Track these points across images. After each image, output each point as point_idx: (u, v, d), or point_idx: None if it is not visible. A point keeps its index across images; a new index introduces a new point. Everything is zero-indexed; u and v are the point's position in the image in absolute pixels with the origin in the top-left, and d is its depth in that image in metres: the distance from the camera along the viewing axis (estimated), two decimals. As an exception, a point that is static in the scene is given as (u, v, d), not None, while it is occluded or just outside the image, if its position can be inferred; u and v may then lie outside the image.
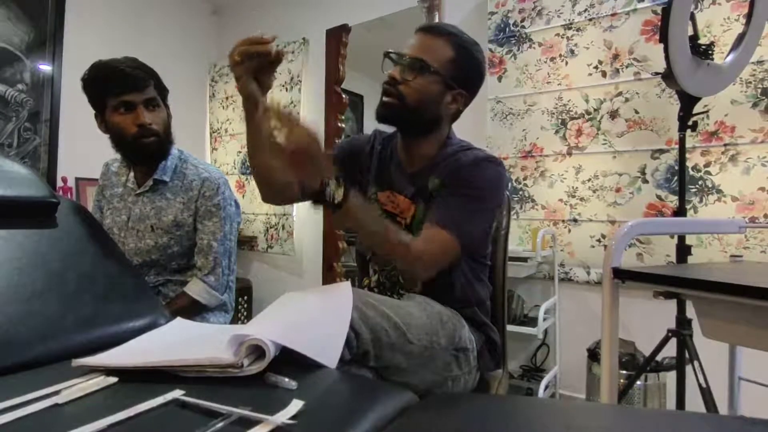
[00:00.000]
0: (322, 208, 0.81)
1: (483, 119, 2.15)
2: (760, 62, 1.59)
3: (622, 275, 0.85)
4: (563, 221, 1.98)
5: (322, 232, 2.75)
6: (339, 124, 2.75)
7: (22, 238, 0.80)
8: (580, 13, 1.94)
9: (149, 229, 1.30)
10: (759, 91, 1.61)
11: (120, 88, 1.21)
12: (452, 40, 0.96)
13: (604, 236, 1.89)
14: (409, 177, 1.02)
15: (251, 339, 0.55)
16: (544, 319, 1.83)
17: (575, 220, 1.95)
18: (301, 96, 2.86)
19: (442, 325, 0.87)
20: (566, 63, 1.97)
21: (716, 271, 0.96)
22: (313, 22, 2.82)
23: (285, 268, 2.95)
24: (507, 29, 2.12)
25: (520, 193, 2.08)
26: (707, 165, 1.69)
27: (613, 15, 1.87)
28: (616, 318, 0.87)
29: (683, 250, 1.36)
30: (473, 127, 2.09)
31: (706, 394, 1.22)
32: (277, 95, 2.95)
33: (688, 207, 1.62)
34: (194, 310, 1.27)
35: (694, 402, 1.33)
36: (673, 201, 1.73)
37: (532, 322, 1.86)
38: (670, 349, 1.36)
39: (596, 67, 1.91)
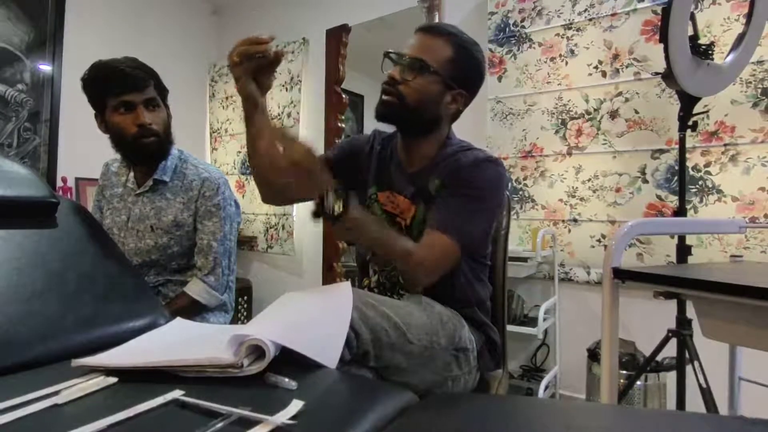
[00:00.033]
0: (321, 220, 0.82)
1: (483, 119, 2.15)
2: (760, 62, 1.59)
3: (622, 275, 0.85)
4: (563, 221, 1.98)
5: (322, 232, 2.75)
6: (339, 124, 2.75)
7: (21, 238, 0.80)
8: (580, 13, 1.94)
9: (149, 229, 1.30)
10: (759, 91, 1.61)
11: (120, 88, 1.21)
12: (452, 40, 0.96)
13: (604, 236, 1.89)
14: (409, 177, 1.02)
15: (251, 339, 0.55)
16: (544, 319, 1.83)
17: (575, 220, 1.95)
18: (301, 96, 2.86)
19: (442, 325, 0.87)
20: (566, 63, 1.97)
21: (716, 271, 0.96)
22: (313, 22, 2.82)
23: (285, 268, 2.95)
24: (507, 29, 2.12)
25: (520, 193, 2.08)
26: (707, 165, 1.69)
27: (613, 15, 1.87)
28: (616, 318, 0.87)
29: (683, 250, 1.36)
30: (473, 127, 2.09)
31: (706, 394, 1.22)
32: (276, 95, 2.95)
33: (688, 207, 1.62)
34: (194, 310, 1.27)
35: (694, 402, 1.33)
36: (673, 201, 1.73)
37: (532, 322, 1.86)
38: (671, 349, 1.36)
39: (596, 67, 1.91)
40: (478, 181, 0.93)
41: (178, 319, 0.82)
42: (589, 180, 1.92)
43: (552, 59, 2.01)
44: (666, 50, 1.27)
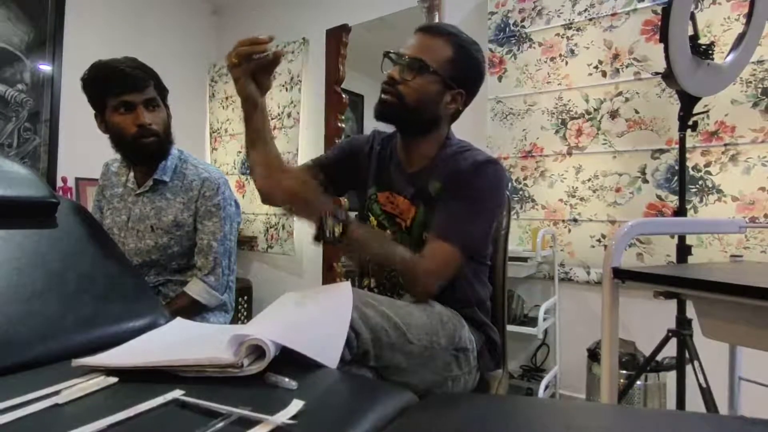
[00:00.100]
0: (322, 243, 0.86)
1: (483, 119, 2.15)
2: (760, 62, 1.59)
3: (622, 275, 0.85)
4: (563, 221, 1.98)
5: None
6: (339, 124, 2.75)
7: (21, 238, 0.80)
8: (580, 13, 1.94)
9: (149, 229, 1.30)
10: (759, 90, 1.61)
11: (120, 88, 1.21)
12: (451, 39, 0.96)
13: (604, 236, 1.89)
14: (409, 177, 1.02)
15: (251, 339, 0.55)
16: (544, 319, 1.83)
17: (575, 220, 1.95)
18: (301, 96, 2.86)
19: (442, 325, 0.87)
20: (566, 63, 1.97)
21: (716, 271, 0.96)
22: (313, 22, 2.83)
23: (285, 268, 2.95)
24: (507, 29, 2.12)
25: (520, 193, 2.08)
26: (707, 165, 1.69)
27: (613, 15, 1.87)
28: (616, 318, 0.87)
29: (683, 250, 1.36)
30: (473, 127, 2.09)
31: (706, 394, 1.22)
32: (276, 95, 2.95)
33: (688, 207, 1.62)
34: (194, 310, 1.27)
35: (694, 402, 1.33)
36: (673, 201, 1.73)
37: (532, 322, 1.86)
38: (670, 349, 1.36)
39: (596, 67, 1.91)
40: (478, 184, 0.93)
41: (178, 319, 0.82)
42: (589, 180, 1.92)
43: (552, 59, 2.01)
44: (666, 50, 1.27)
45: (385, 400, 0.54)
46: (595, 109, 1.91)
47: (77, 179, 2.59)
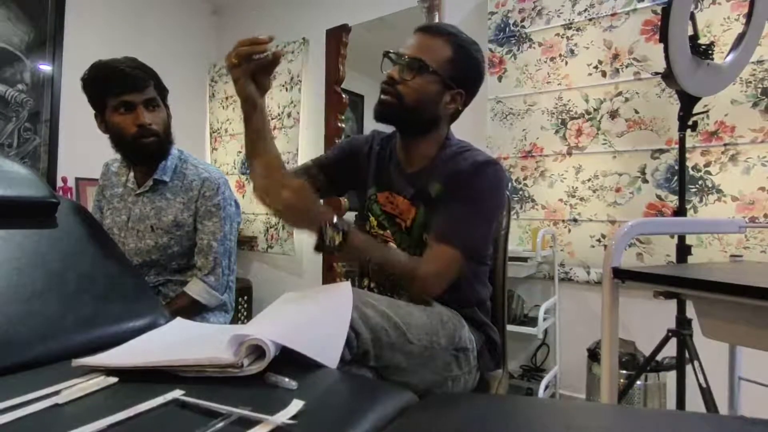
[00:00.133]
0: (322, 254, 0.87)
1: (483, 119, 2.15)
2: (760, 62, 1.59)
3: (622, 275, 0.85)
4: (563, 221, 1.98)
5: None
6: (339, 124, 2.75)
7: (21, 238, 0.80)
8: (580, 13, 1.94)
9: (149, 229, 1.30)
10: (759, 90, 1.61)
11: (120, 88, 1.21)
12: (451, 39, 0.96)
13: (604, 236, 1.89)
14: (408, 177, 1.02)
15: (251, 339, 0.55)
16: (544, 319, 1.83)
17: (575, 220, 1.95)
18: (301, 96, 2.86)
19: (442, 325, 0.87)
20: (566, 63, 1.97)
21: (716, 271, 0.96)
22: (313, 22, 2.83)
23: (285, 268, 2.95)
24: (507, 29, 2.12)
25: (520, 193, 2.08)
26: (707, 165, 1.70)
27: (613, 15, 1.87)
28: (616, 318, 0.87)
29: (683, 250, 1.36)
30: (473, 127, 2.09)
31: (706, 394, 1.22)
32: (276, 95, 2.95)
33: (688, 207, 1.62)
34: (194, 310, 1.27)
35: (694, 402, 1.33)
36: (673, 201, 1.73)
37: (532, 322, 1.86)
38: (670, 349, 1.36)
39: (596, 67, 1.91)
40: (477, 185, 0.93)
41: (178, 319, 0.82)
42: (589, 180, 1.92)
43: (552, 59, 2.01)
44: (666, 50, 1.27)
45: (385, 400, 0.54)
46: (595, 109, 1.91)
47: (77, 179, 2.59)
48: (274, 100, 2.96)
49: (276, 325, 0.63)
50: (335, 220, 0.82)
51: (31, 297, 0.72)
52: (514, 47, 2.09)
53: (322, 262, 2.72)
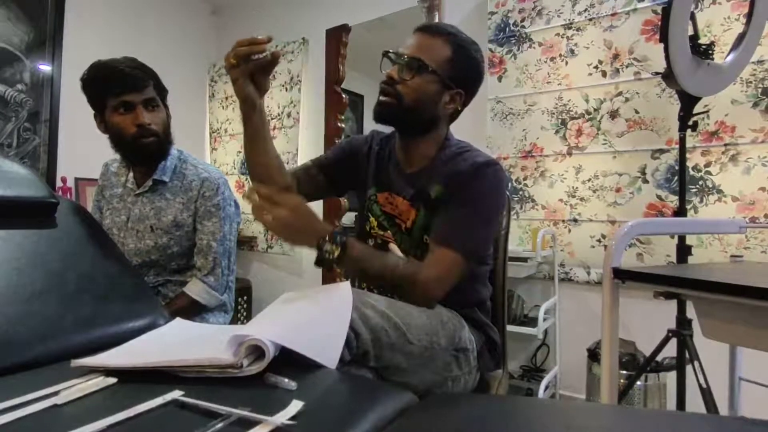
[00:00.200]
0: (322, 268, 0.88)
1: (483, 119, 2.15)
2: (760, 62, 1.59)
3: (622, 275, 0.85)
4: (563, 221, 1.98)
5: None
6: (339, 124, 2.75)
7: (21, 238, 0.80)
8: (580, 13, 1.94)
9: (149, 229, 1.30)
10: (759, 90, 1.61)
11: (119, 88, 1.21)
12: (450, 39, 0.96)
13: (604, 236, 1.89)
14: (408, 178, 1.02)
15: (251, 339, 0.55)
16: (544, 319, 1.83)
17: (575, 220, 1.95)
18: (300, 96, 2.86)
19: (442, 325, 0.87)
20: (566, 63, 1.97)
21: (716, 272, 0.96)
22: (313, 22, 2.83)
23: (285, 268, 2.95)
24: (507, 29, 2.12)
25: (520, 193, 2.08)
26: (707, 165, 1.69)
27: (613, 15, 1.87)
28: (617, 318, 0.87)
29: (683, 250, 1.36)
30: (473, 127, 2.09)
31: (707, 394, 1.22)
32: (276, 95, 2.95)
33: (688, 207, 1.62)
34: (194, 311, 1.27)
35: (695, 402, 1.33)
36: (673, 201, 1.73)
37: (532, 322, 1.86)
38: (671, 350, 1.36)
39: (596, 67, 1.91)
40: (477, 187, 0.93)
41: (178, 320, 0.82)
42: (589, 180, 1.92)
43: (552, 59, 2.01)
44: (666, 50, 1.27)
45: (385, 400, 0.54)
46: (595, 109, 1.91)
47: (77, 179, 2.59)
48: (274, 100, 2.96)
49: (275, 325, 0.63)
50: (333, 233, 0.82)
51: (31, 297, 0.72)
52: (514, 47, 2.09)
53: (322, 262, 2.72)
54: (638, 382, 1.52)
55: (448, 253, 0.88)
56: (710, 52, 1.35)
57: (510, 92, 2.11)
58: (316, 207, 2.68)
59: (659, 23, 1.35)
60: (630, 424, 0.51)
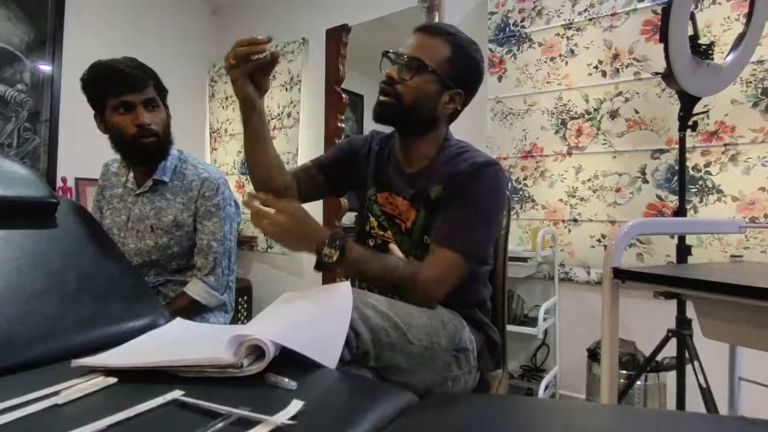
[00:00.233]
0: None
1: (483, 119, 2.15)
2: (760, 62, 1.59)
3: (622, 275, 0.85)
4: (563, 221, 1.98)
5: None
6: (339, 124, 2.75)
7: (21, 238, 0.80)
8: (580, 13, 1.94)
9: (149, 229, 1.30)
10: (759, 90, 1.61)
11: (119, 88, 1.21)
12: (450, 39, 0.96)
13: (604, 236, 1.89)
14: (408, 178, 1.02)
15: (251, 339, 0.55)
16: (544, 319, 1.83)
17: (575, 220, 1.95)
18: (300, 96, 2.86)
19: (443, 325, 0.87)
20: (566, 63, 1.97)
21: (716, 271, 0.96)
22: (313, 22, 2.83)
23: (285, 268, 2.95)
24: (507, 29, 2.12)
25: (520, 193, 2.08)
26: (707, 165, 1.69)
27: (613, 15, 1.87)
28: (616, 318, 0.87)
29: (683, 250, 1.36)
30: (473, 127, 2.09)
31: (707, 394, 1.22)
32: (276, 95, 2.95)
33: (688, 207, 1.62)
34: (194, 311, 1.27)
35: (694, 402, 1.33)
36: (673, 201, 1.73)
37: (532, 322, 1.86)
38: (671, 349, 1.36)
39: (596, 67, 1.91)
40: (477, 187, 0.92)
41: (178, 320, 0.82)
42: (589, 180, 1.92)
43: (552, 59, 2.01)
44: (666, 50, 1.27)
45: (385, 400, 0.54)
46: (595, 109, 1.91)
47: (77, 179, 2.59)
48: (274, 100, 2.96)
49: (276, 325, 0.63)
50: (331, 237, 0.82)
51: (31, 297, 0.72)
52: (514, 47, 2.09)
53: (322, 262, 2.72)
54: (638, 382, 1.52)
55: (448, 254, 0.88)
56: (710, 52, 1.35)
57: (510, 92, 2.11)
58: (316, 207, 2.68)
59: (659, 23, 1.35)
60: (630, 423, 0.51)
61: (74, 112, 2.48)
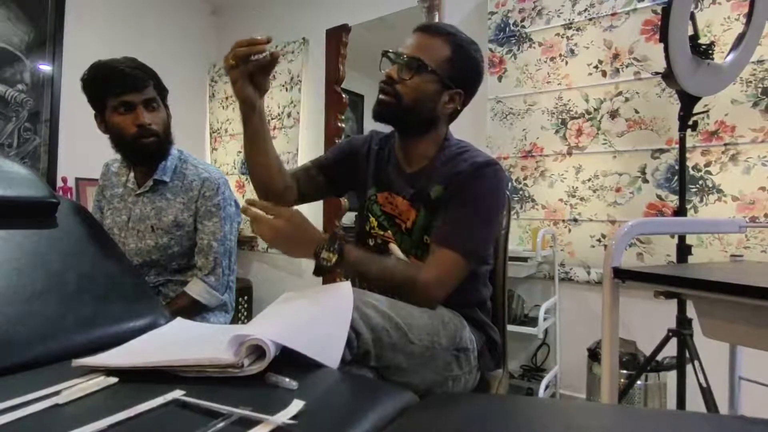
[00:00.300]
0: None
1: (483, 119, 2.15)
2: (760, 62, 1.59)
3: (622, 275, 0.85)
4: (563, 221, 1.98)
5: (322, 231, 2.75)
6: (339, 124, 2.75)
7: (21, 238, 0.80)
8: (580, 13, 1.94)
9: (149, 229, 1.30)
10: (759, 90, 1.61)
11: (120, 88, 1.21)
12: (450, 39, 0.96)
13: (604, 236, 1.89)
14: (407, 178, 1.02)
15: (251, 339, 0.55)
16: (545, 319, 1.83)
17: (575, 220, 1.95)
18: (301, 96, 2.86)
19: (443, 325, 0.87)
20: (566, 63, 1.97)
21: (716, 271, 0.96)
22: (313, 22, 2.82)
23: (285, 268, 2.95)
24: (507, 29, 2.12)
25: (520, 193, 2.08)
26: (707, 165, 1.69)
27: (613, 15, 1.87)
28: (617, 318, 0.87)
29: (683, 250, 1.36)
30: (473, 127, 2.09)
31: (707, 393, 1.22)
32: (276, 95, 2.95)
33: (688, 207, 1.62)
34: (194, 310, 1.27)
35: (695, 402, 1.33)
36: (673, 201, 1.73)
37: (532, 322, 1.86)
38: (671, 349, 1.36)
39: (596, 67, 1.91)
40: (477, 188, 0.92)
41: (179, 319, 0.82)
42: (589, 180, 1.92)
43: (552, 59, 2.01)
44: (666, 50, 1.27)
45: (386, 400, 0.54)
46: (595, 109, 1.91)
47: (77, 179, 2.59)
48: (274, 100, 2.96)
49: (276, 325, 0.63)
50: (329, 240, 0.82)
51: (31, 297, 0.72)
52: (514, 47, 2.09)
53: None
54: (638, 382, 1.52)
55: (449, 254, 0.88)
56: (710, 52, 1.35)
57: (510, 92, 2.11)
58: (316, 207, 2.68)
59: (659, 23, 1.35)
60: (630, 423, 0.51)
61: (74, 112, 2.48)
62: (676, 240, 1.41)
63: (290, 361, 0.58)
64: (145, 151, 1.26)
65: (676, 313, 1.36)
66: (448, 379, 0.88)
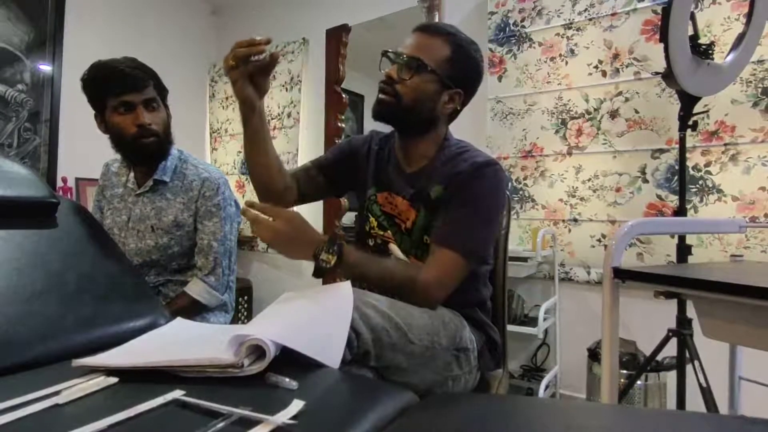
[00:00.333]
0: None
1: (483, 119, 2.15)
2: (760, 61, 1.59)
3: (622, 275, 0.85)
4: (563, 221, 1.98)
5: (322, 232, 2.75)
6: (339, 124, 2.75)
7: (21, 238, 0.80)
8: (580, 13, 1.94)
9: (149, 229, 1.30)
10: (759, 90, 1.61)
11: (120, 88, 1.21)
12: (449, 39, 0.96)
13: (604, 236, 1.89)
14: (407, 178, 1.02)
15: (251, 339, 0.55)
16: (545, 319, 1.83)
17: (575, 220, 1.95)
18: (301, 96, 2.86)
19: (443, 325, 0.87)
20: (566, 63, 1.97)
21: (716, 271, 0.96)
22: (313, 22, 2.82)
23: (285, 268, 2.95)
24: (507, 29, 2.12)
25: (520, 193, 2.08)
26: (707, 165, 1.69)
27: (613, 15, 1.87)
28: (617, 318, 0.87)
29: (683, 250, 1.36)
30: (473, 127, 2.09)
31: (707, 393, 1.22)
32: (276, 95, 2.95)
33: (688, 207, 1.62)
34: (194, 310, 1.27)
35: (695, 402, 1.33)
36: (673, 201, 1.73)
37: (532, 321, 1.86)
38: (671, 349, 1.36)
39: (596, 67, 1.91)
40: (477, 188, 0.92)
41: (179, 319, 0.82)
42: (589, 180, 1.92)
43: (552, 59, 2.01)
44: (666, 50, 1.27)
45: (386, 400, 0.54)
46: (595, 109, 1.91)
47: (77, 179, 2.59)
48: (274, 100, 2.96)
49: (276, 325, 0.63)
50: (328, 242, 0.82)
51: (31, 297, 0.72)
52: (514, 47, 2.09)
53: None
54: (638, 382, 1.52)
55: (449, 254, 0.88)
56: (710, 52, 1.35)
57: (510, 92, 2.11)
58: (316, 207, 2.68)
59: (659, 23, 1.35)
60: (630, 423, 0.51)
61: (74, 112, 2.48)
62: (676, 240, 1.41)
63: (290, 361, 0.58)
64: (145, 151, 1.26)
65: (676, 313, 1.36)
66: (448, 379, 0.88)
